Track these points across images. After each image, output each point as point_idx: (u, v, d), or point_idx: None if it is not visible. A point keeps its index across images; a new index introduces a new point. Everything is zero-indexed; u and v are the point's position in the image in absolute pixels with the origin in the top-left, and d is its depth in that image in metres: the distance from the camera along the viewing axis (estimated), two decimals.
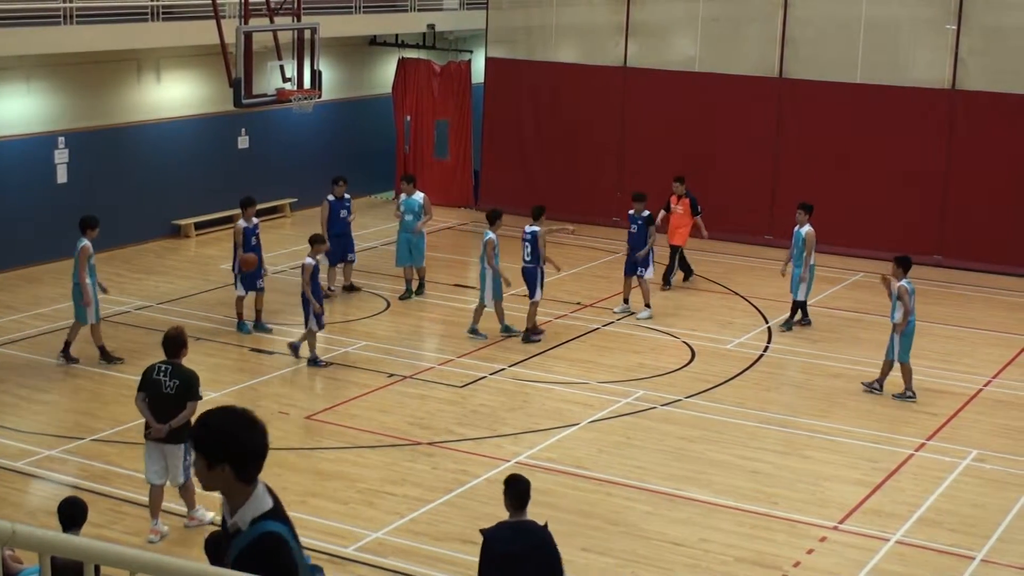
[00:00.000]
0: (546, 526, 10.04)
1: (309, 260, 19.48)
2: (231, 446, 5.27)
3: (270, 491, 5.45)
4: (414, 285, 23.43)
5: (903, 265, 18.54)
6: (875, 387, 18.74)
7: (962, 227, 26.41)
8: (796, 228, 21.86)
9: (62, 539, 4.32)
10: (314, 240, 19.93)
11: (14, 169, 24.22)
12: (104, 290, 19.68)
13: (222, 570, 4.35)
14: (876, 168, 27.05)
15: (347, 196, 23.22)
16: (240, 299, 20.81)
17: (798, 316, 22.04)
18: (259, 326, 20.74)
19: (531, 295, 21.03)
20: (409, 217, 23.38)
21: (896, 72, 27.01)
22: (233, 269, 20.90)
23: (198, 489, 14.01)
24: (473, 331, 20.94)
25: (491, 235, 20.70)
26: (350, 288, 23.42)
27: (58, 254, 24.85)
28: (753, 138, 28.30)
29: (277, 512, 5.41)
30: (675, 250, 24.25)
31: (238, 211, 28.96)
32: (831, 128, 27.52)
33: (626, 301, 22.62)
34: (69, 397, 17.73)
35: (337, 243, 22.79)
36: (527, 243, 20.99)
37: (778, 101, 27.99)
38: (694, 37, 29.19)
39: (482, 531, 10.08)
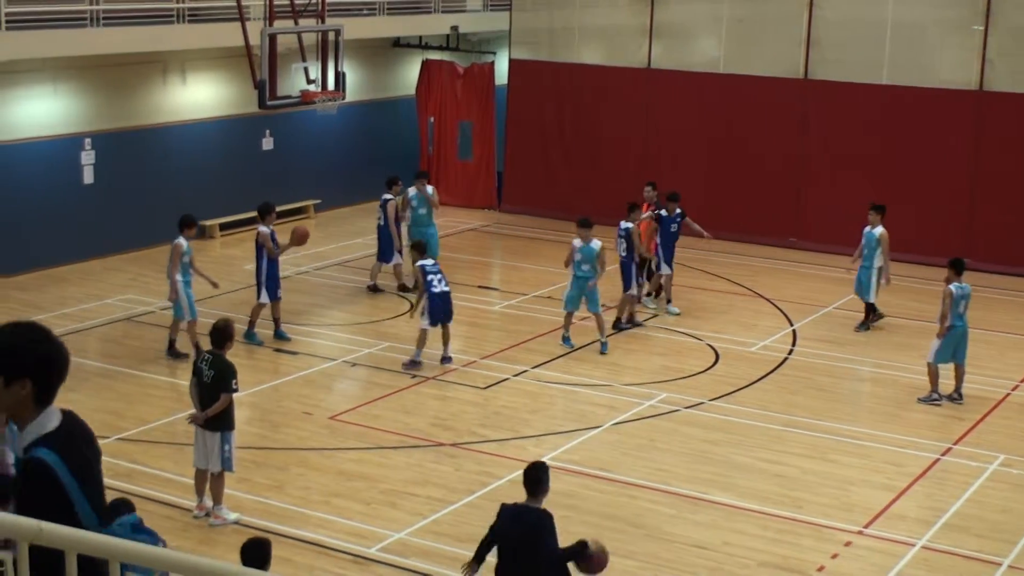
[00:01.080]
0: (547, 513, 10.30)
1: (421, 263, 19.54)
2: (35, 357, 4.79)
3: (66, 414, 4.93)
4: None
5: (955, 267, 18.48)
6: (955, 397, 18.58)
7: (989, 229, 26.25)
8: (868, 229, 21.72)
9: (88, 537, 4.30)
10: (418, 246, 19.97)
11: (41, 170, 24.30)
12: (215, 284, 20.20)
13: (247, 569, 4.33)
14: (902, 170, 26.90)
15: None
16: (261, 306, 20.50)
17: (867, 316, 22.10)
18: (279, 334, 20.65)
19: (625, 287, 21.50)
20: (423, 211, 23.83)
21: (923, 73, 26.87)
22: (258, 275, 20.48)
23: (226, 489, 14.09)
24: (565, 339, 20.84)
25: (576, 241, 20.65)
26: (403, 288, 23.81)
27: (84, 254, 25.00)
28: (778, 140, 28.20)
29: (55, 438, 4.84)
30: (644, 261, 22.99)
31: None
32: (857, 130, 27.40)
33: (656, 295, 22.98)
34: (95, 396, 17.77)
35: (391, 241, 23.63)
36: (622, 239, 21.37)
37: (803, 103, 27.89)
38: (718, 38, 29.12)
39: (502, 505, 10.67)
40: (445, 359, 19.56)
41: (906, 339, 21.44)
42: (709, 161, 28.75)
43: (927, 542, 14.01)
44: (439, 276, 19.43)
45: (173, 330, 19.64)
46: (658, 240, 22.63)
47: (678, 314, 22.49)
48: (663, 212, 22.66)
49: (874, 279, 21.67)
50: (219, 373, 13.87)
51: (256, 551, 10.34)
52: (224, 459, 13.98)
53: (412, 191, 23.99)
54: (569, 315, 20.70)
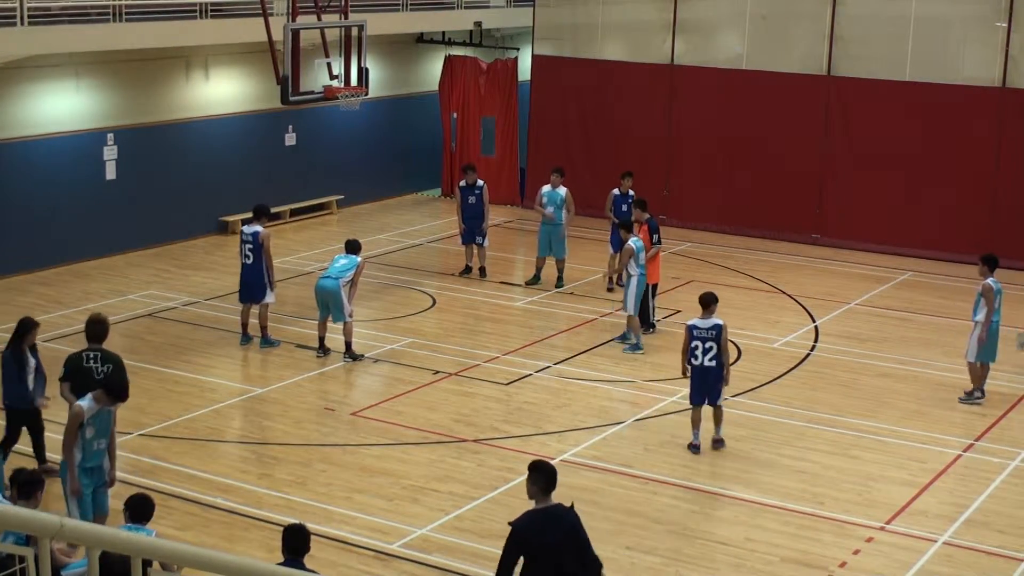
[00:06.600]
0: (572, 507, 9.91)
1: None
2: None
3: None
4: (544, 274, 23.97)
5: (989, 263, 18.39)
6: (976, 396, 18.49)
7: (1012, 226, 26.13)
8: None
9: (109, 533, 4.33)
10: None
11: (64, 166, 24.40)
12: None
13: (270, 565, 4.35)
14: (925, 166, 26.84)
15: (480, 183, 24.37)
16: (267, 307, 20.12)
17: None
18: (248, 339, 20.25)
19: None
20: (551, 209, 23.73)
21: (946, 70, 26.79)
22: (268, 278, 19.93)
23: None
24: (626, 339, 20.51)
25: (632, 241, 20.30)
26: (482, 272, 24.50)
27: (107, 250, 25.08)
28: (801, 136, 28.15)
29: None
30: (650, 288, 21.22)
31: (285, 208, 29.10)
32: (879, 126, 27.33)
33: None
34: None
35: (468, 226, 24.26)
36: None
37: (826, 99, 27.82)
38: (742, 34, 29.08)
39: (512, 523, 9.82)
40: None
41: (928, 335, 21.39)
42: (732, 157, 28.71)
43: (949, 538, 13.98)
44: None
45: (348, 334, 19.55)
46: None
47: None
48: None
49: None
50: (116, 365, 13.94)
51: (299, 536, 10.24)
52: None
53: (545, 187, 24.08)
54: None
